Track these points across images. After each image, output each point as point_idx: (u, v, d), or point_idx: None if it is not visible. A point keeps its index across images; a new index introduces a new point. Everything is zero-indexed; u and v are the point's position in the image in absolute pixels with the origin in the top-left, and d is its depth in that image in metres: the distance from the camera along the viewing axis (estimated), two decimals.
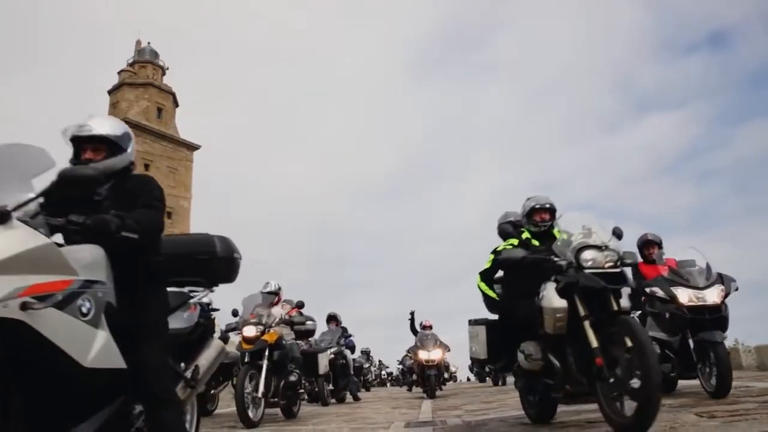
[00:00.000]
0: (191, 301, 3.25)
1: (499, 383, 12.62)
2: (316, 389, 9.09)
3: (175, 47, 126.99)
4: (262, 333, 6.17)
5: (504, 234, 4.65)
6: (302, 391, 7.13)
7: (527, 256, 3.78)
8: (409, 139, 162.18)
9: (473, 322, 4.51)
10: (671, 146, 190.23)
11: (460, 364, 25.47)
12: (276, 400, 6.23)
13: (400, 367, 24.20)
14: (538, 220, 4.20)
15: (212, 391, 7.39)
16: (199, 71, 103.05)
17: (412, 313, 11.67)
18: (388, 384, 28.75)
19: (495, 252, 4.38)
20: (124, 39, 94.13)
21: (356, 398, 10.86)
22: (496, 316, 4.44)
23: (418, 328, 11.48)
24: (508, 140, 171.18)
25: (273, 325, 6.39)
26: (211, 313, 7.57)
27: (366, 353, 21.87)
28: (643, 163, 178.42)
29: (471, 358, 5.03)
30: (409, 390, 13.99)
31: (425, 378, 10.01)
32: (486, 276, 4.43)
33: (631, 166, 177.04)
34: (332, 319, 11.03)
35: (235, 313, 7.02)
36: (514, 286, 4.13)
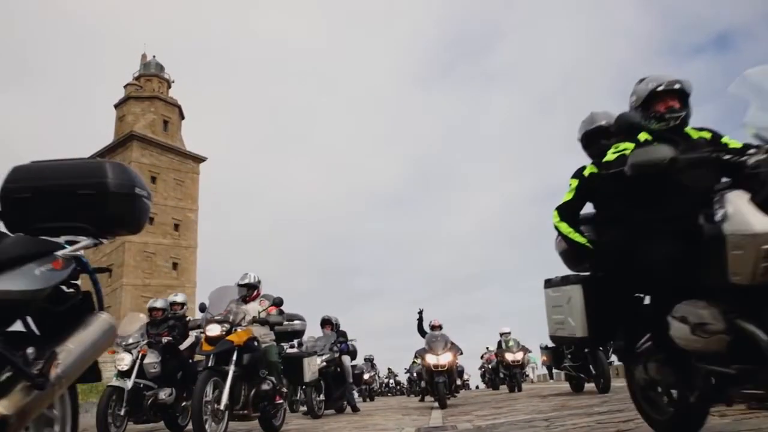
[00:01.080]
0: (58, 253, 1.97)
1: (516, 389, 12.52)
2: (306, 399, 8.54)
3: (180, 58, 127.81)
4: (229, 332, 5.29)
5: (598, 139, 3.28)
6: (281, 401, 6.03)
7: (679, 156, 2.32)
8: (416, 147, 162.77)
9: (559, 282, 3.13)
10: None
11: (471, 372, 25.04)
12: (246, 412, 5.35)
13: (407, 375, 23.54)
14: (663, 110, 2.72)
15: (183, 403, 6.67)
16: (205, 83, 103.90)
17: (421, 312, 10.66)
18: (394, 393, 28.35)
19: (580, 175, 3.11)
20: (130, 52, 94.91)
21: (355, 409, 9.87)
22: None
23: (426, 328, 10.50)
24: (514, 147, 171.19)
25: (243, 323, 5.52)
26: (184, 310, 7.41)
27: (369, 361, 21.14)
28: None
29: (554, 338, 3.30)
30: (422, 400, 13.03)
31: (434, 385, 9.07)
32: (567, 211, 3.10)
33: None
34: (327, 323, 10.10)
35: (202, 308, 5.95)
36: (637, 215, 2.64)
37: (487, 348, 19.44)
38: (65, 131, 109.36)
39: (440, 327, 10.34)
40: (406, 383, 25.79)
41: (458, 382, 10.61)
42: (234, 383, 5.00)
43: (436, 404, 9.06)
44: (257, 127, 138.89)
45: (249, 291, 6.19)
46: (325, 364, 8.91)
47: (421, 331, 10.39)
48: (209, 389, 4.73)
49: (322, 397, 8.80)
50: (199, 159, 54.52)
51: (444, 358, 9.08)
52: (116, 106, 54.36)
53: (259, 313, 5.82)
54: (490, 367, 17.92)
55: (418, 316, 10.60)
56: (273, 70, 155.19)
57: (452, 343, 9.45)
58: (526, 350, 13.90)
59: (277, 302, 6.01)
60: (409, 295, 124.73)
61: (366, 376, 18.81)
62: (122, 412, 5.98)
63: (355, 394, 21.14)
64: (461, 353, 9.83)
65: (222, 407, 4.76)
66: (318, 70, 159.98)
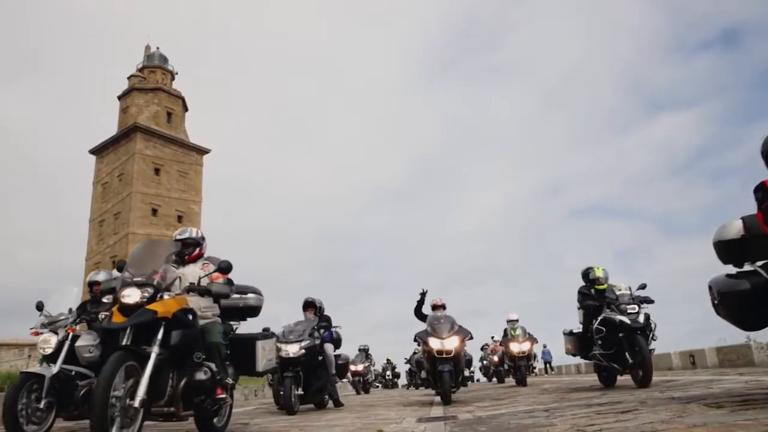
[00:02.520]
0: None
1: (521, 383, 11.47)
2: (281, 392, 7.56)
3: (184, 51, 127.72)
4: (153, 299, 3.73)
5: None
6: (223, 395, 4.46)
7: None
8: (419, 143, 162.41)
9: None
10: (683, 146, 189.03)
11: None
12: (172, 409, 3.87)
13: (407, 366, 22.57)
14: None
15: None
16: (208, 75, 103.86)
17: (423, 294, 8.90)
18: (391, 386, 27.01)
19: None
20: (134, 44, 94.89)
21: (337, 404, 8.72)
22: None
23: (427, 311, 8.79)
24: (519, 142, 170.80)
25: (175, 290, 4.07)
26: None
27: (364, 351, 19.96)
28: (655, 163, 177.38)
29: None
30: (416, 388, 12.67)
31: (436, 375, 7.48)
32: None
33: (642, 167, 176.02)
34: (309, 306, 8.90)
35: (119, 267, 4.20)
36: None
37: (492, 338, 18.95)
38: (69, 122, 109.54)
39: (443, 307, 8.69)
40: (407, 374, 24.59)
41: (466, 372, 8.86)
42: (158, 370, 3.56)
43: (437, 398, 8.05)
44: (261, 121, 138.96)
45: (188, 249, 4.86)
46: (304, 351, 7.64)
47: (420, 314, 8.73)
48: (120, 378, 3.27)
49: (300, 390, 7.61)
50: (202, 151, 54.57)
51: (450, 343, 7.49)
52: (120, 98, 54.41)
53: (200, 279, 4.50)
54: (494, 358, 16.93)
55: (419, 297, 8.90)
56: (277, 65, 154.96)
57: (460, 326, 7.81)
58: (533, 340, 12.76)
59: (224, 268, 4.50)
60: (411, 289, 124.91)
61: (360, 367, 18.14)
62: (42, 405, 4.93)
63: (349, 386, 19.68)
64: (470, 338, 7.98)
65: (137, 403, 3.28)
66: (322, 65, 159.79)
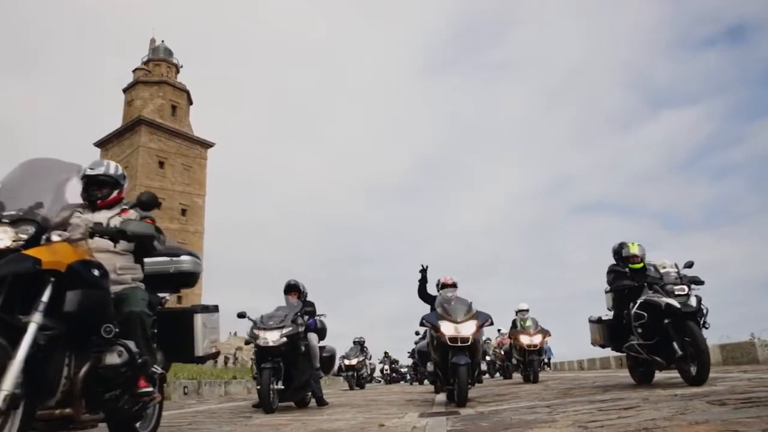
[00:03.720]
0: None
1: (531, 379, 10.56)
2: (259, 387, 6.37)
3: (190, 45, 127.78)
4: (34, 242, 2.37)
5: None
6: (149, 388, 3.07)
7: None
8: (423, 138, 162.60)
9: None
10: (686, 143, 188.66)
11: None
12: (68, 411, 2.48)
13: (410, 359, 21.10)
14: None
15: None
16: (213, 69, 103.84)
17: (424, 270, 7.62)
18: (389, 380, 25.80)
19: None
20: (139, 37, 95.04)
21: (321, 402, 7.50)
22: None
23: (433, 291, 7.43)
24: (522, 139, 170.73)
25: (74, 233, 2.63)
26: None
27: (360, 343, 18.47)
28: (658, 160, 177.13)
29: None
30: (420, 383, 11.56)
31: (450, 370, 5.92)
32: None
33: (645, 163, 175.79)
34: (292, 289, 7.71)
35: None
36: None
37: (499, 330, 18.10)
38: (74, 115, 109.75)
39: (455, 286, 7.13)
40: (410, 368, 23.52)
41: (482, 366, 7.01)
42: (44, 352, 2.24)
43: (438, 396, 7.19)
44: (264, 116, 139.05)
45: (102, 190, 3.54)
46: (285, 340, 6.49)
47: (425, 295, 7.51)
48: None
49: (280, 384, 6.44)
50: (206, 145, 54.65)
51: (467, 328, 6.01)
52: (125, 91, 54.50)
53: (107, 222, 3.25)
54: (501, 351, 16.06)
55: (420, 274, 7.64)
56: (281, 59, 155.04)
57: (477, 310, 6.30)
58: (546, 333, 11.33)
59: (145, 201, 3.38)
60: (414, 285, 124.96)
61: (354, 361, 17.12)
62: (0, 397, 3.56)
63: (340, 381, 18.72)
64: (491, 323, 6.43)
65: (2, 403, 1.98)
66: (325, 60, 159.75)
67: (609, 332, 6.79)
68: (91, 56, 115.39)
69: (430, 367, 7.12)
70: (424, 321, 6.47)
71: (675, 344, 5.58)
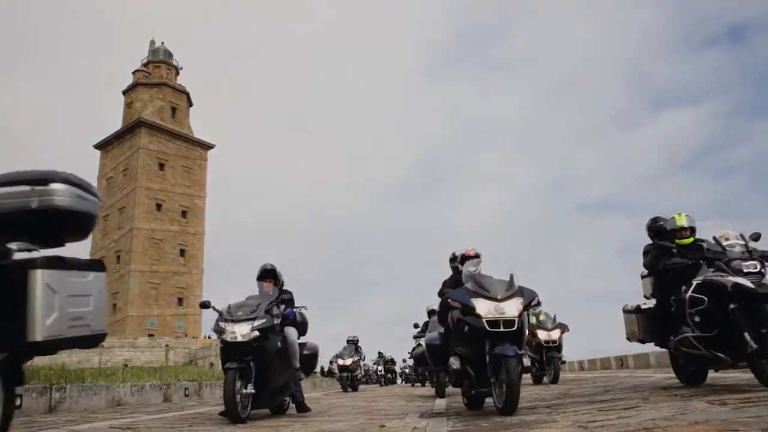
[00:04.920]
0: None
1: (550, 378, 9.83)
2: (252, 391, 5.27)
3: (190, 46, 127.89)
4: None
5: None
6: None
7: None
8: (425, 138, 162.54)
9: None
10: (689, 142, 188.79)
11: None
12: None
13: (411, 359, 18.41)
14: None
15: None
16: (213, 70, 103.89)
17: (457, 260, 5.83)
18: (383, 382, 24.04)
19: None
20: (139, 39, 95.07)
21: (302, 408, 6.38)
22: None
23: (460, 267, 5.54)
24: (525, 138, 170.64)
25: None
26: None
27: (353, 343, 17.19)
28: (661, 159, 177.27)
29: None
30: (421, 384, 11.24)
31: (491, 364, 4.43)
32: None
33: (648, 163, 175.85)
34: (268, 275, 6.38)
35: None
36: None
37: None
38: (74, 117, 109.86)
39: (477, 257, 5.62)
40: (411, 369, 21.54)
41: (525, 361, 4.53)
42: None
43: (439, 402, 6.41)
44: (265, 116, 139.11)
45: None
46: (257, 334, 5.34)
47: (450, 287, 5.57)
48: None
49: (250, 388, 5.29)
50: (206, 146, 54.67)
51: (511, 307, 4.49)
52: (124, 93, 54.53)
53: None
54: None
55: (453, 266, 5.95)
56: (281, 60, 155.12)
57: (521, 287, 4.74)
58: (564, 328, 10.25)
59: None
60: (416, 283, 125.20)
61: (349, 361, 15.87)
62: None
63: (338, 383, 16.89)
64: (538, 303, 4.97)
65: None
66: (327, 58, 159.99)
67: (650, 324, 5.66)
68: (91, 58, 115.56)
69: (454, 363, 4.94)
70: (450, 300, 4.91)
71: (747, 335, 4.35)
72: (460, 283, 5.13)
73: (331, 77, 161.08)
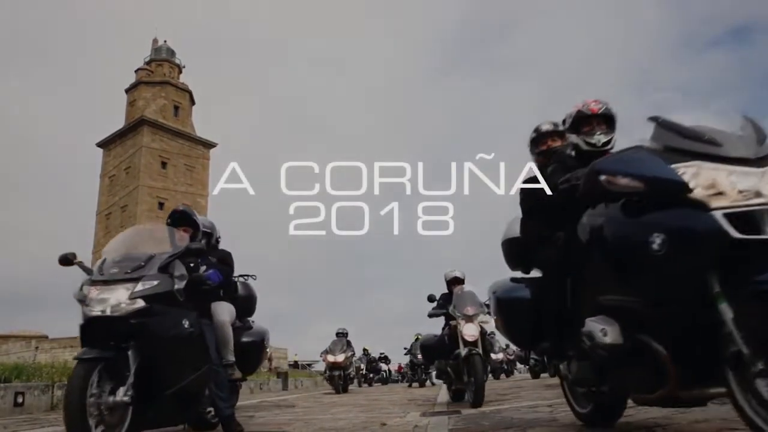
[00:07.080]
0: None
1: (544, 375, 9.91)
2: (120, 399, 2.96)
3: (192, 45, 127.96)
4: None
5: None
6: None
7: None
8: (428, 137, 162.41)
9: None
10: None
11: None
12: None
13: (408, 357, 17.77)
14: None
15: None
16: (216, 69, 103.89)
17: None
18: (372, 382, 23.04)
19: None
20: (142, 37, 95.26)
21: (228, 425, 4.00)
22: None
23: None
24: (525, 138, 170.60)
25: None
26: None
27: (343, 335, 14.55)
28: None
29: None
30: (421, 385, 10.93)
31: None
32: None
33: None
34: (184, 220, 4.29)
35: None
36: None
37: None
38: (76, 115, 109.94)
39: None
40: (407, 367, 20.84)
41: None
42: None
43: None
44: (268, 116, 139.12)
45: None
46: (143, 305, 3.16)
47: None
48: None
49: (124, 393, 2.97)
50: (209, 145, 54.66)
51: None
52: (127, 91, 54.54)
53: None
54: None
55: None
56: (284, 59, 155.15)
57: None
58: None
59: None
60: (419, 285, 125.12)
61: (341, 358, 13.35)
62: None
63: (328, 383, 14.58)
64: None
65: None
66: (330, 59, 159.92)
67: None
68: (93, 56, 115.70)
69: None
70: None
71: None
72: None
73: (334, 76, 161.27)
